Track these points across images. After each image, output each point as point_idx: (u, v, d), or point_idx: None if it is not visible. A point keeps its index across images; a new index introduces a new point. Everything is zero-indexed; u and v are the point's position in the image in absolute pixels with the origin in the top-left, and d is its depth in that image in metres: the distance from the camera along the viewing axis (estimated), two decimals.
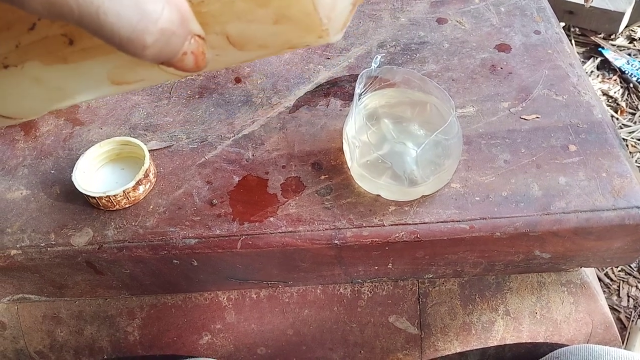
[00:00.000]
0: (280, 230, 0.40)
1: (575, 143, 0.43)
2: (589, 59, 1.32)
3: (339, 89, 0.50)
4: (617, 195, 0.39)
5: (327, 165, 0.44)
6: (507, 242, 0.39)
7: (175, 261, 0.41)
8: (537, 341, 0.47)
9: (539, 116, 0.45)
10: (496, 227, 0.39)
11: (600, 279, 0.91)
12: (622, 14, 1.26)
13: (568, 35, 1.37)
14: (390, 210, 0.40)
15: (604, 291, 0.89)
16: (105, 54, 0.22)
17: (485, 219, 0.39)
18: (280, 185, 0.43)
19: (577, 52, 1.34)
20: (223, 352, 0.49)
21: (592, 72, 1.29)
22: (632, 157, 1.10)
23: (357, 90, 0.42)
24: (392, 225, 0.40)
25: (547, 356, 0.46)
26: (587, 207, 0.39)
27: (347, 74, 0.51)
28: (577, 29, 1.37)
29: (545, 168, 0.41)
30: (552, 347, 0.47)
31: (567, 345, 0.46)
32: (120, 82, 0.24)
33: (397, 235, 0.39)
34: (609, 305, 0.88)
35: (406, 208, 0.40)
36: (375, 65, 0.43)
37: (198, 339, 0.49)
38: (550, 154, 0.42)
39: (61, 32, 0.21)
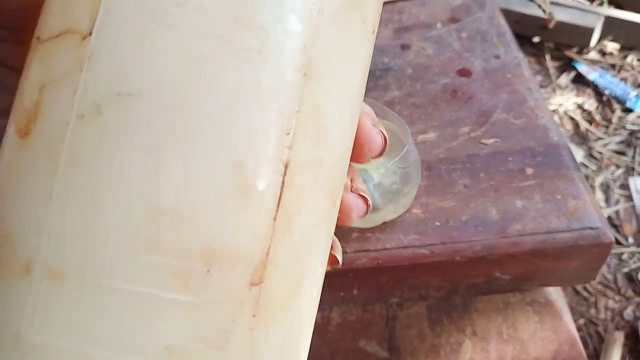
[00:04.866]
0: None
1: (532, 166, 0.44)
2: (563, 72, 1.35)
3: None
4: (572, 217, 0.40)
5: None
6: (467, 265, 0.40)
7: None
8: None
9: (498, 140, 0.46)
10: (456, 252, 0.40)
11: (578, 292, 0.93)
12: (592, 29, 1.29)
13: (542, 50, 1.40)
14: (353, 237, 0.41)
15: (581, 304, 0.91)
16: None
17: (445, 243, 0.40)
18: None
19: (552, 66, 1.37)
20: None
21: (567, 85, 1.32)
22: (607, 169, 1.13)
23: None
24: (354, 252, 0.40)
25: None
26: (542, 229, 0.40)
27: None
28: (552, 44, 1.41)
29: (503, 192, 0.42)
30: None
31: None
32: None
33: (359, 262, 0.40)
34: (587, 318, 0.89)
35: (368, 234, 0.41)
36: None
37: None
38: (508, 178, 0.43)
39: None
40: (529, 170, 0.43)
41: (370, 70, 0.60)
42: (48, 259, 0.17)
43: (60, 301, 0.17)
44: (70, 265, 0.17)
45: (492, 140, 0.46)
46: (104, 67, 0.17)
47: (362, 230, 0.41)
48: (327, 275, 0.41)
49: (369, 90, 0.52)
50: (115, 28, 0.17)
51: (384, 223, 0.41)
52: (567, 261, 0.41)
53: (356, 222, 0.41)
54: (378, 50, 0.56)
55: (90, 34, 0.17)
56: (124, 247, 0.17)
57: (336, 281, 0.41)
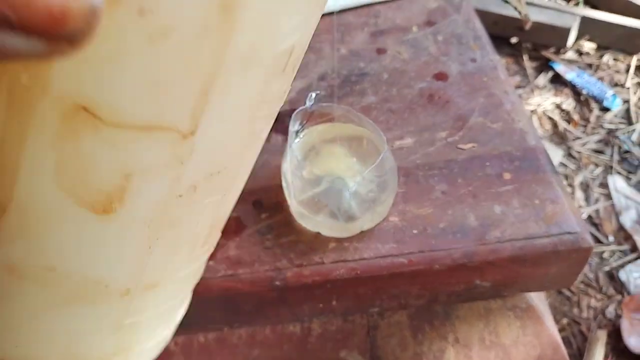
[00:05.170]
0: (219, 275, 0.40)
1: (509, 171, 0.43)
2: (541, 72, 1.36)
3: (280, 124, 0.50)
4: (550, 222, 0.40)
5: (268, 204, 0.44)
6: (446, 273, 0.40)
7: None
8: None
9: (475, 145, 0.46)
10: (434, 260, 0.39)
11: (560, 292, 0.93)
12: (569, 29, 1.30)
13: (520, 51, 1.41)
14: (330, 247, 0.40)
15: (564, 304, 0.91)
16: None
17: (424, 252, 0.39)
18: None
19: (530, 67, 1.38)
20: None
21: (545, 85, 1.33)
22: (586, 168, 1.13)
23: (292, 128, 0.42)
24: (332, 262, 0.39)
25: None
26: (521, 235, 0.39)
27: (289, 108, 0.51)
28: (529, 44, 1.41)
29: (481, 197, 0.42)
30: None
31: None
32: None
33: (337, 272, 0.39)
34: (570, 318, 0.89)
35: (346, 244, 0.40)
36: (310, 103, 0.43)
37: None
38: (486, 183, 0.43)
39: None
40: (507, 175, 0.43)
41: (345, 76, 0.59)
42: (144, 280, 0.25)
43: (155, 297, 0.27)
44: (161, 277, 0.26)
45: (469, 145, 0.46)
46: (203, 160, 0.21)
47: (340, 240, 0.40)
48: (306, 287, 0.41)
49: (345, 96, 0.51)
50: (216, 127, 0.21)
51: (362, 232, 0.40)
52: (547, 267, 0.40)
53: (333, 232, 0.40)
54: (354, 55, 0.56)
55: (193, 133, 0.19)
56: (192, 252, 0.27)
57: (315, 293, 0.41)
